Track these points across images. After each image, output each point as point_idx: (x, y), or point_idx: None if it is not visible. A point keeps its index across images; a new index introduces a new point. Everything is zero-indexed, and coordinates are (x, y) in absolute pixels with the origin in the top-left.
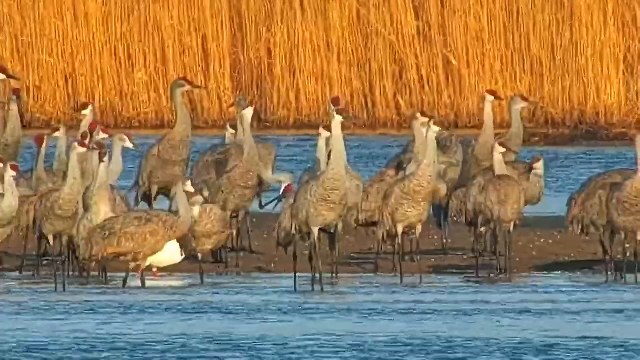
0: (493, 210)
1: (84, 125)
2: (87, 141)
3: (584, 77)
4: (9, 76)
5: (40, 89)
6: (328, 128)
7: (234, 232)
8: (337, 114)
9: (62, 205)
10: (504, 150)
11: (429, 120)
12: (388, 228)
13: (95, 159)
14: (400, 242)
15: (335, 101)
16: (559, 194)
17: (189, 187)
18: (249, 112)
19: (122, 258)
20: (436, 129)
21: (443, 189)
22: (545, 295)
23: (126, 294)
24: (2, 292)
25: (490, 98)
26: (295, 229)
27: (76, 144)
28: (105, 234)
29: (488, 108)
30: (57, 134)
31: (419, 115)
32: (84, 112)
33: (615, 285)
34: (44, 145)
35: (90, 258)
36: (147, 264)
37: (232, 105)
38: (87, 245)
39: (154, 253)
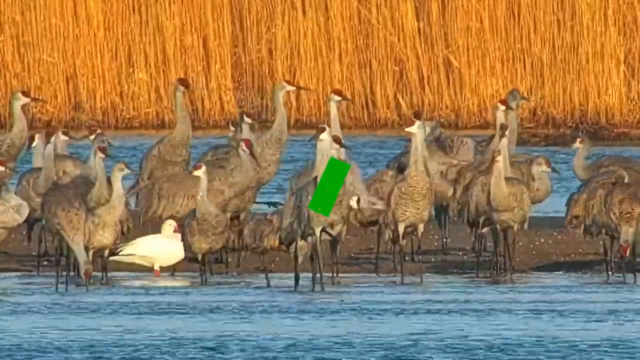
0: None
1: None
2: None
3: (585, 77)
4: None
5: (41, 89)
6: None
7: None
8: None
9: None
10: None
11: (407, 124)
12: (392, 228)
13: (99, 163)
14: (402, 242)
15: (337, 91)
16: (559, 194)
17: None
18: (247, 127)
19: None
20: (412, 129)
21: (449, 190)
22: (545, 295)
23: (127, 294)
24: (2, 292)
25: (502, 107)
26: (300, 228)
27: (122, 165)
28: (274, 228)
29: (500, 116)
30: (62, 136)
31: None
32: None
33: (616, 285)
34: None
35: (257, 248)
36: (160, 262)
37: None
38: (254, 235)
39: None
